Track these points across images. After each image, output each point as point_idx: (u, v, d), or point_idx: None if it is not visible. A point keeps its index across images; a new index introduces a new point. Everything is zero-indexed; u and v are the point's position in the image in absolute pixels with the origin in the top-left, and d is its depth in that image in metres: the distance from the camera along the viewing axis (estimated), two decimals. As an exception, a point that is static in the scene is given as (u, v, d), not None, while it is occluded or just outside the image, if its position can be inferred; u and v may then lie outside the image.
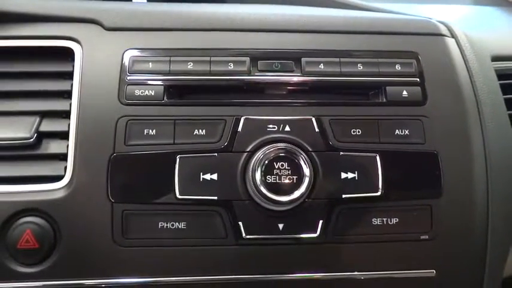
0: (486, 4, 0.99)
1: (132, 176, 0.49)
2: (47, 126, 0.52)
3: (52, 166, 0.50)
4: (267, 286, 0.50)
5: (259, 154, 0.48)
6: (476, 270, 0.52)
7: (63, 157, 0.50)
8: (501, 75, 0.64)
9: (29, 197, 0.48)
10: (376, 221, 0.50)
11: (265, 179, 0.47)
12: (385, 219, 0.50)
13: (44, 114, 0.52)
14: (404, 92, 0.53)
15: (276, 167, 0.47)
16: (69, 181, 0.49)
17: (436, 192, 0.51)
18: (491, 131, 0.55)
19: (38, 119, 0.51)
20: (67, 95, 0.53)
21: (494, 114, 0.57)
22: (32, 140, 0.50)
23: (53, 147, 0.51)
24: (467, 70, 0.57)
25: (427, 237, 0.50)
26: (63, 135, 0.51)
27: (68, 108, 0.52)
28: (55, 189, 0.49)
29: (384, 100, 0.53)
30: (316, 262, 0.50)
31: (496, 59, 0.66)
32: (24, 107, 0.52)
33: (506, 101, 0.61)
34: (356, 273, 0.50)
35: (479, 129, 0.54)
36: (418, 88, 0.54)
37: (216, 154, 0.49)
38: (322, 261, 0.50)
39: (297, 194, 0.47)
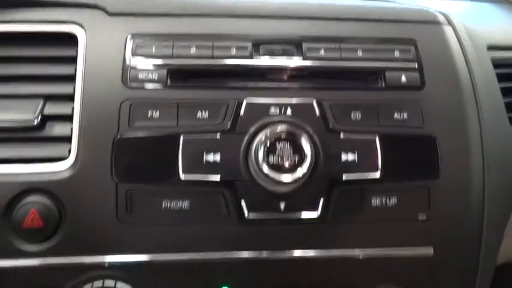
0: (482, 0, 1.00)
1: (136, 157, 0.50)
2: (51, 109, 0.52)
3: (56, 148, 0.51)
4: (268, 264, 0.51)
5: (261, 135, 0.49)
6: (472, 249, 0.54)
7: (67, 140, 0.51)
8: (496, 64, 0.65)
9: (34, 177, 0.49)
10: (376, 201, 0.51)
11: (268, 159, 0.47)
12: (384, 199, 0.51)
13: (48, 98, 0.53)
14: (403, 78, 0.54)
15: (278, 147, 0.48)
16: (73, 162, 0.50)
17: (433, 174, 0.52)
18: (487, 116, 0.56)
19: (42, 102, 0.52)
20: (71, 79, 0.53)
21: (491, 99, 0.58)
22: (36, 122, 0.51)
23: (57, 129, 0.52)
24: (464, 57, 0.58)
25: (424, 217, 0.52)
26: (67, 118, 0.52)
27: (72, 92, 0.52)
28: (60, 170, 0.50)
29: (383, 85, 0.54)
30: (317, 241, 0.51)
31: (491, 48, 0.67)
32: (28, 91, 0.53)
33: (501, 89, 0.63)
34: (355, 250, 0.51)
35: (476, 114, 0.55)
36: (417, 74, 0.55)
37: (219, 135, 0.50)
38: (322, 240, 0.51)
39: (298, 174, 0.47)
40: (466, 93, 0.56)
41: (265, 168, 0.47)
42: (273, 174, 0.47)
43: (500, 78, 0.64)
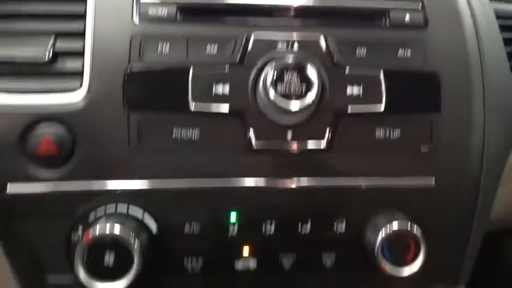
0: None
1: (147, 88, 0.51)
2: (62, 44, 0.53)
3: (68, 81, 0.52)
4: (275, 192, 0.53)
5: (269, 67, 0.50)
6: (472, 182, 0.56)
7: (79, 74, 0.52)
8: (498, 16, 0.66)
9: (48, 108, 0.50)
10: (380, 133, 0.53)
11: (275, 89, 0.48)
12: (388, 131, 0.53)
13: (59, 35, 0.54)
14: (407, 17, 0.56)
15: (286, 79, 0.49)
16: (86, 93, 0.51)
17: (436, 108, 0.54)
18: (489, 60, 0.58)
19: (53, 38, 0.53)
20: (81, 17, 0.54)
21: (493, 45, 0.60)
22: (47, 57, 0.52)
23: (69, 64, 0.53)
24: (467, 1, 0.60)
25: (427, 149, 0.53)
26: (79, 54, 0.53)
27: (83, 29, 0.53)
28: (73, 102, 0.51)
29: (388, 24, 0.55)
30: (321, 170, 0.53)
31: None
32: (39, 27, 0.54)
33: (503, 39, 0.64)
34: (358, 180, 0.53)
35: (478, 57, 0.57)
36: (420, 13, 0.56)
37: (227, 68, 0.51)
38: (327, 169, 0.53)
39: (306, 101, 0.48)
40: (468, 35, 0.57)
41: (273, 97, 0.48)
42: (281, 102, 0.48)
43: (503, 29, 0.65)
